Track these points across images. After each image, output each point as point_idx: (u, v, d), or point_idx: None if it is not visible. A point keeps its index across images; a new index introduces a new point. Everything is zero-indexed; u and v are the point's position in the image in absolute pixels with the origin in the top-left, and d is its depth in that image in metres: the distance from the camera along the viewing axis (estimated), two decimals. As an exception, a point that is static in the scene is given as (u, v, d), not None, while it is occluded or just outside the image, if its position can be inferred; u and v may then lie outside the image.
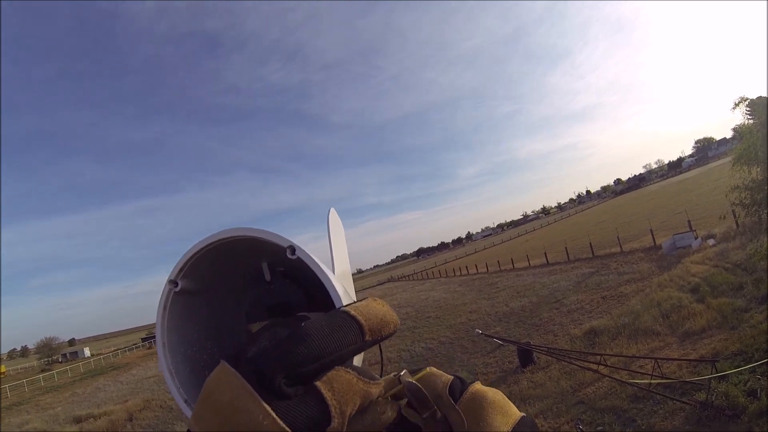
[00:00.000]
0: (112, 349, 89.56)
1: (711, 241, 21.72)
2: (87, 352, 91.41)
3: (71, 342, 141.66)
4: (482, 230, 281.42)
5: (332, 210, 1.12)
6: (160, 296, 0.75)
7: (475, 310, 27.32)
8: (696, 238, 22.94)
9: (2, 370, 76.65)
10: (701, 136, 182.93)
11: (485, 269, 49.85)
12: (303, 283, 0.91)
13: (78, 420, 22.54)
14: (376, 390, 0.43)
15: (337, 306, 0.66)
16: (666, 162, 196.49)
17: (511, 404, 0.54)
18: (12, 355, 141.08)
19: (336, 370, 0.40)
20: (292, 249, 0.70)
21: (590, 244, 33.34)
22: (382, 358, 0.83)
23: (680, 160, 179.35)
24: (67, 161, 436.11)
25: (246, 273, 0.93)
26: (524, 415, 0.53)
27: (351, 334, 0.43)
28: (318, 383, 0.38)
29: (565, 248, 36.42)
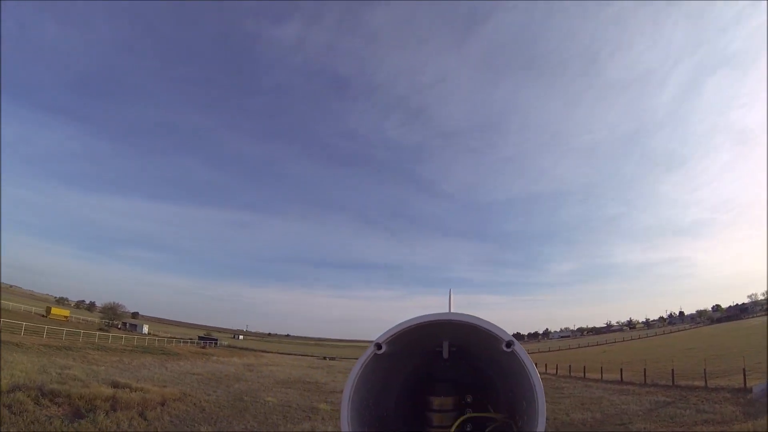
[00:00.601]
0: (169, 335, 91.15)
1: (810, 397, 19.55)
2: (145, 329, 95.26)
3: (134, 315, 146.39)
4: (561, 330, 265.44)
5: (450, 290, 1.28)
6: (361, 355, 0.84)
7: (532, 413, 25.93)
8: (794, 389, 20.75)
9: (66, 314, 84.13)
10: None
11: (554, 371, 47.65)
12: (475, 364, 0.98)
13: (115, 385, 22.44)
14: None
15: (540, 403, 0.77)
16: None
17: None
18: (79, 305, 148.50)
19: None
20: (510, 343, 0.76)
21: (672, 370, 30.99)
22: None
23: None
24: (183, 157, 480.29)
25: (424, 346, 0.98)
26: None
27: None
28: None
29: (644, 369, 34.07)
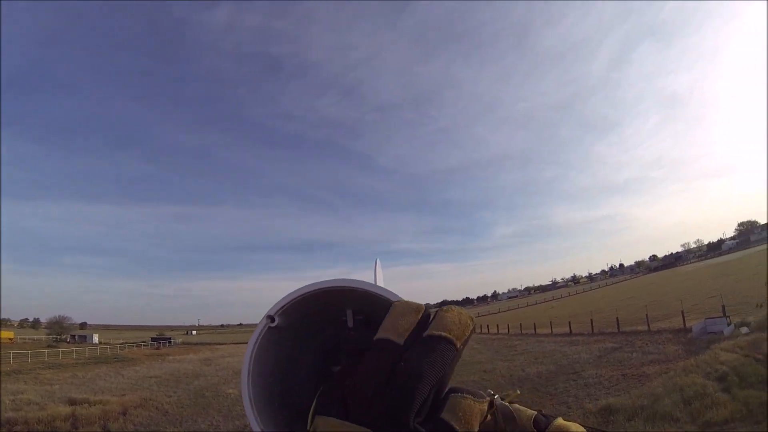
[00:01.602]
0: (121, 341, 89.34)
1: (744, 329, 20.79)
2: (96, 338, 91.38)
3: (83, 325, 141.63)
4: (509, 291, 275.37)
5: (378, 260, 1.19)
6: (255, 328, 0.80)
7: (489, 371, 26.55)
8: (729, 325, 22.01)
9: (11, 336, 79.26)
10: (745, 219, 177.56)
11: (506, 330, 49.05)
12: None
13: (72, 402, 22.18)
14: (485, 407, 0.46)
15: None
16: (705, 243, 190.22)
17: None
18: (23, 324, 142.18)
19: (453, 398, 0.43)
20: None
21: (617, 318, 32.38)
22: None
23: (720, 241, 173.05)
24: (117, 153, 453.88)
25: (328, 316, 0.96)
26: None
27: (449, 353, 0.45)
28: (443, 416, 0.39)
29: (591, 320, 35.45)
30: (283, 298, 0.77)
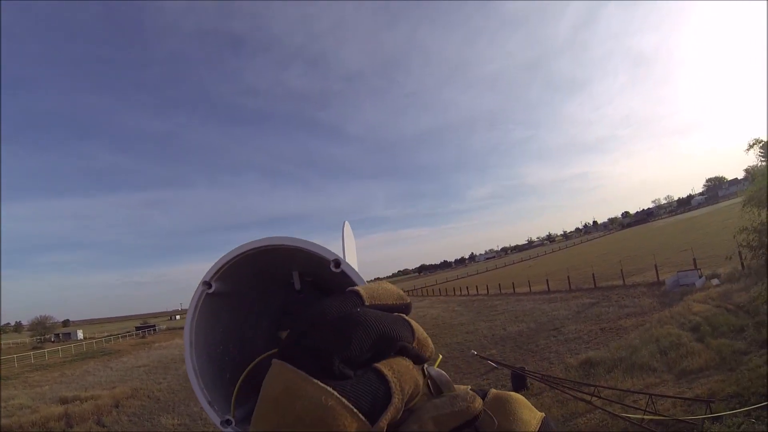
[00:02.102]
0: (105, 334, 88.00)
1: (715, 281, 21.54)
2: (80, 334, 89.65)
3: (65, 323, 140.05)
4: (486, 252, 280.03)
5: (346, 223, 1.13)
6: (192, 295, 0.75)
7: (472, 331, 27.11)
8: (700, 277, 22.76)
9: None
10: (713, 175, 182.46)
11: (485, 291, 49.73)
12: (331, 294, 0.85)
13: (64, 401, 22.35)
14: (422, 380, 0.44)
15: None
16: (675, 198, 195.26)
17: (532, 405, 0.54)
18: (5, 329, 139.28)
19: (393, 356, 0.42)
20: (337, 262, 0.70)
21: (593, 275, 33.21)
22: None
23: (690, 197, 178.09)
24: (81, 144, 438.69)
25: (275, 280, 0.93)
26: (545, 414, 0.53)
27: (405, 331, 0.44)
28: (377, 364, 0.39)
29: (568, 277, 36.28)
30: (217, 262, 0.73)
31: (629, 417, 10.34)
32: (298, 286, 0.92)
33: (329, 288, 0.87)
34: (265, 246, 0.72)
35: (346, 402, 0.35)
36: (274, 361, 0.40)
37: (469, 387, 0.54)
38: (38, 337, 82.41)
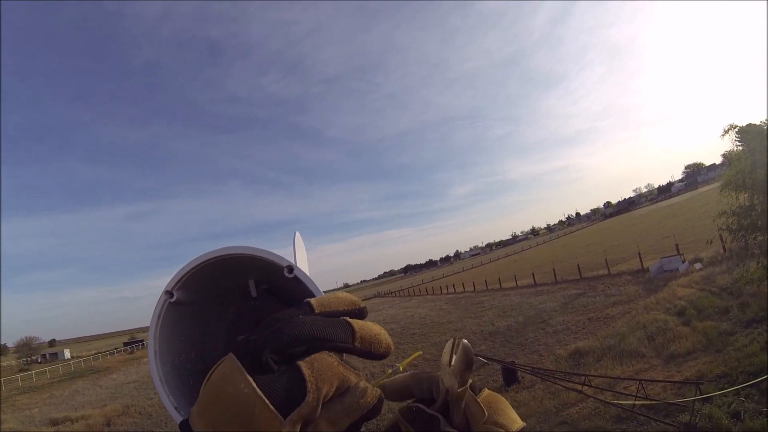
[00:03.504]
0: (93, 352, 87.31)
1: (698, 265, 21.76)
2: (67, 353, 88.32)
3: (52, 343, 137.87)
4: (471, 249, 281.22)
5: (297, 233, 1.14)
6: (154, 305, 0.77)
7: (460, 329, 27.09)
8: (683, 262, 23.00)
9: None
10: (691, 162, 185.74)
11: (472, 288, 49.80)
12: (286, 300, 0.93)
13: (54, 423, 22.10)
14: (355, 378, 0.45)
15: None
16: (656, 186, 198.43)
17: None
18: None
19: (320, 353, 0.44)
20: (290, 268, 0.74)
21: (578, 266, 33.35)
22: None
23: (670, 184, 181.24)
24: (60, 159, 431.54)
25: (233, 288, 0.94)
26: (525, 424, 0.58)
27: (342, 332, 0.46)
28: (299, 361, 0.42)
29: (553, 269, 36.44)
30: (178, 272, 0.75)
31: (621, 403, 10.33)
32: (254, 293, 0.94)
33: (284, 295, 0.90)
34: (222, 255, 0.75)
35: (259, 392, 0.39)
36: (228, 354, 0.43)
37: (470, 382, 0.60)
38: (24, 359, 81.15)
